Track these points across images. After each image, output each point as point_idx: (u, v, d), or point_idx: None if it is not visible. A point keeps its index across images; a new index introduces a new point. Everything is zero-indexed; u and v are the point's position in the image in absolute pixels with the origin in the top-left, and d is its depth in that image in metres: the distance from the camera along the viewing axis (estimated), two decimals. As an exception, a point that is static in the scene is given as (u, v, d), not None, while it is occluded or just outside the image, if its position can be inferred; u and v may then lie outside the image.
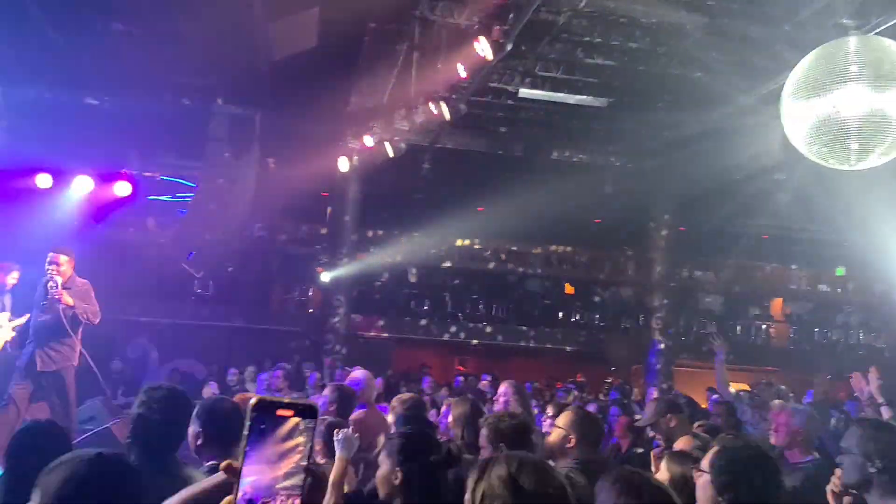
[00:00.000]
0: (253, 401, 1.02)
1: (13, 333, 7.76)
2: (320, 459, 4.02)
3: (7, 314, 7.38)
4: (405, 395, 5.22)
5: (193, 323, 15.34)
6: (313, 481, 1.02)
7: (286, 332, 15.85)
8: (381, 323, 16.59)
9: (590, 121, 13.07)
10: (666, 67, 10.92)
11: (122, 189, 13.00)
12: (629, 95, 11.86)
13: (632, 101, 12.02)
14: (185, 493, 1.23)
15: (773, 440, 4.57)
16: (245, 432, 1.00)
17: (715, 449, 2.63)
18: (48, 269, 6.68)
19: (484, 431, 3.62)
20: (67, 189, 12.35)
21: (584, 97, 11.66)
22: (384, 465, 2.55)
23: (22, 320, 7.75)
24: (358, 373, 5.95)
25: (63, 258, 6.77)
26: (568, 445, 3.80)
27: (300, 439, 1.02)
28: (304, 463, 1.02)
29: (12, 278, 8.05)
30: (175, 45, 10.19)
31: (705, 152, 13.24)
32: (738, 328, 19.12)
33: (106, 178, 12.78)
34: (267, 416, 1.01)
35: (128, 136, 12.88)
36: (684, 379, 15.93)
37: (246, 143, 11.89)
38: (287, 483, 1.00)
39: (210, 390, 10.11)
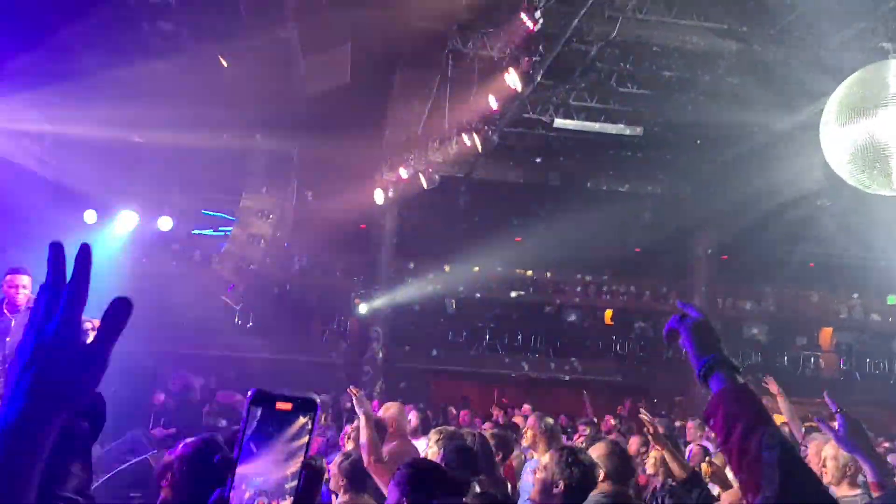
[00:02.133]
0: (250, 393, 1.00)
1: None
2: (343, 495, 3.97)
3: None
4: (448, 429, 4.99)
5: (234, 354, 15.50)
6: (311, 475, 1.01)
7: (325, 364, 15.92)
8: (418, 354, 16.56)
9: (626, 149, 13.02)
10: (701, 94, 10.85)
11: (164, 224, 13.31)
12: (665, 123, 11.79)
13: (667, 128, 11.94)
14: None
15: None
16: (242, 426, 0.98)
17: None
18: (18, 292, 5.97)
19: (555, 455, 3.53)
20: (112, 224, 12.69)
21: (619, 126, 11.61)
22: (392, 494, 2.52)
23: None
24: (391, 406, 5.91)
25: (27, 279, 6.09)
26: (598, 479, 3.74)
27: (306, 438, 1.00)
28: (304, 459, 1.01)
29: None
30: (215, 84, 10.49)
31: (745, 179, 13.05)
32: (785, 358, 18.58)
33: (150, 212, 13.11)
34: (267, 409, 0.99)
35: (171, 172, 13.22)
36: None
37: (284, 177, 12.12)
38: (296, 482, 0.99)
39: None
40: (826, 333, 19.88)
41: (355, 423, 5.87)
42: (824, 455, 4.47)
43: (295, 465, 1.00)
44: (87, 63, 10.28)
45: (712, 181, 13.74)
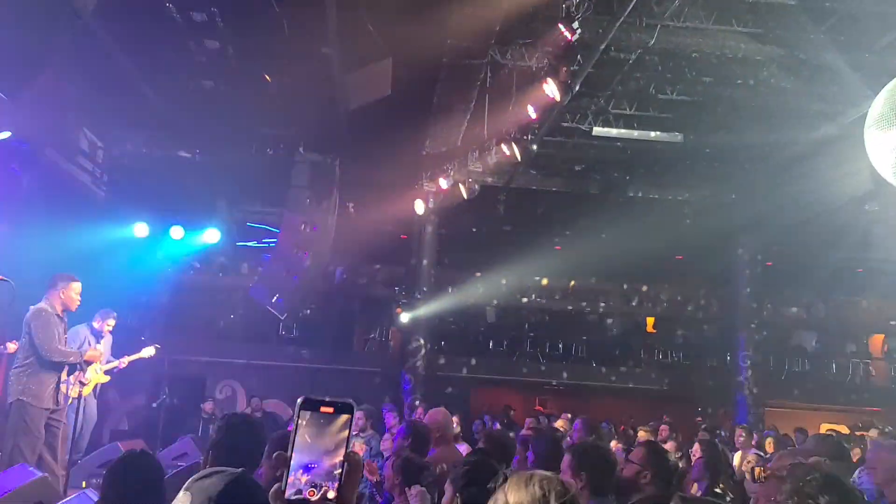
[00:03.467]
0: (300, 399, 1.19)
1: (107, 377, 8.23)
2: (398, 496, 4.06)
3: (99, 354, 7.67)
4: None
5: (278, 364, 15.80)
6: (350, 467, 1.20)
7: (367, 373, 16.11)
8: (459, 362, 16.64)
9: (666, 156, 12.95)
10: (742, 99, 10.77)
11: (211, 236, 13.63)
12: (705, 129, 11.71)
13: (708, 134, 11.85)
14: None
15: (873, 478, 4.41)
16: (294, 426, 1.17)
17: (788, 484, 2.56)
18: (79, 298, 6.76)
19: (567, 457, 3.60)
20: (161, 237, 13.05)
21: (659, 133, 11.57)
22: (447, 491, 2.62)
23: (115, 364, 8.20)
24: (438, 412, 6.01)
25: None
26: (643, 481, 3.79)
27: (347, 432, 1.19)
28: (346, 451, 1.20)
29: (109, 325, 8.56)
30: (260, 100, 10.77)
31: (789, 184, 12.89)
32: (834, 366, 18.21)
33: (196, 225, 13.45)
34: (314, 412, 1.18)
35: (217, 186, 13.57)
36: (775, 419, 15.27)
37: (326, 189, 12.31)
38: (340, 470, 1.18)
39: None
40: (877, 340, 19.43)
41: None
42: (876, 458, 4.47)
43: (339, 455, 1.19)
44: (137, 83, 10.65)
45: (755, 187, 13.58)
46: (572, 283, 17.80)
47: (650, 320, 18.99)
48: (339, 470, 1.18)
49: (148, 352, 8.36)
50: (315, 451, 1.18)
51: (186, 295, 15.44)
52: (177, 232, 13.14)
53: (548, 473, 1.72)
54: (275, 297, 12.18)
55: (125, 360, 8.24)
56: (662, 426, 12.09)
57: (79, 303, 6.66)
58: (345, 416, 1.20)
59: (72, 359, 6.61)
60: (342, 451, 1.19)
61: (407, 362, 14.93)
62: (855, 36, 8.68)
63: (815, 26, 8.80)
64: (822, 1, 8.28)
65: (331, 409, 1.20)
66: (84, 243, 10.89)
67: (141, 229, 12.77)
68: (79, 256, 9.96)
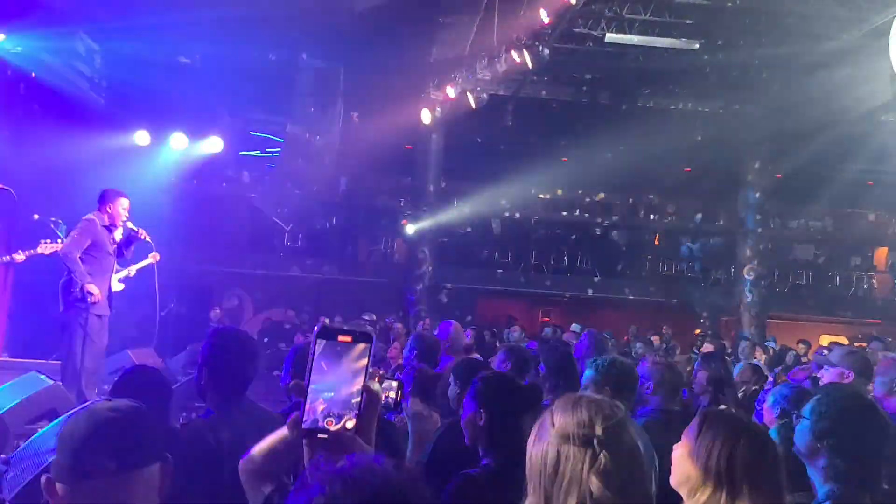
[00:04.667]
0: (317, 328, 1.13)
1: (122, 286, 8.24)
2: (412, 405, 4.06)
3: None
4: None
5: (284, 274, 15.87)
6: (369, 398, 1.15)
7: (372, 283, 16.20)
8: (464, 274, 16.69)
9: (680, 65, 12.56)
10: (762, 4, 10.36)
11: (213, 145, 13.40)
12: (722, 36, 11.31)
13: (725, 41, 11.46)
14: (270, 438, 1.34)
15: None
16: (311, 355, 1.11)
17: (816, 396, 2.55)
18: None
19: (590, 373, 3.60)
20: (163, 145, 12.82)
21: (674, 40, 11.19)
22: (468, 407, 2.61)
23: (125, 272, 8.18)
24: (448, 324, 6.04)
25: None
26: (647, 393, 3.81)
27: (365, 360, 1.13)
28: (364, 382, 1.14)
29: (119, 233, 8.50)
30: (262, 2, 10.37)
31: (803, 94, 12.57)
32: (837, 278, 18.28)
33: (198, 134, 13.20)
34: (331, 341, 1.12)
35: (218, 93, 13.24)
36: (777, 331, 15.45)
37: (330, 98, 12.06)
38: (358, 399, 1.12)
39: (300, 338, 10.54)
40: (881, 253, 19.45)
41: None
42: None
43: (357, 384, 1.15)
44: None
45: (769, 98, 13.26)
46: (577, 192, 17.63)
47: (657, 234, 18.96)
48: (357, 399, 1.14)
49: (152, 258, 8.34)
50: (332, 380, 1.14)
51: (189, 204, 15.34)
52: (178, 140, 12.92)
53: (597, 397, 1.67)
54: (279, 208, 12.13)
55: (133, 269, 8.23)
56: (654, 335, 12.28)
57: (126, 218, 6.57)
58: (362, 345, 1.15)
59: (77, 276, 6.18)
60: (360, 381, 1.15)
61: (412, 273, 14.99)
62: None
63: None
64: None
65: (348, 338, 1.15)
66: (84, 151, 10.71)
67: (142, 137, 12.55)
68: (79, 165, 9.82)
